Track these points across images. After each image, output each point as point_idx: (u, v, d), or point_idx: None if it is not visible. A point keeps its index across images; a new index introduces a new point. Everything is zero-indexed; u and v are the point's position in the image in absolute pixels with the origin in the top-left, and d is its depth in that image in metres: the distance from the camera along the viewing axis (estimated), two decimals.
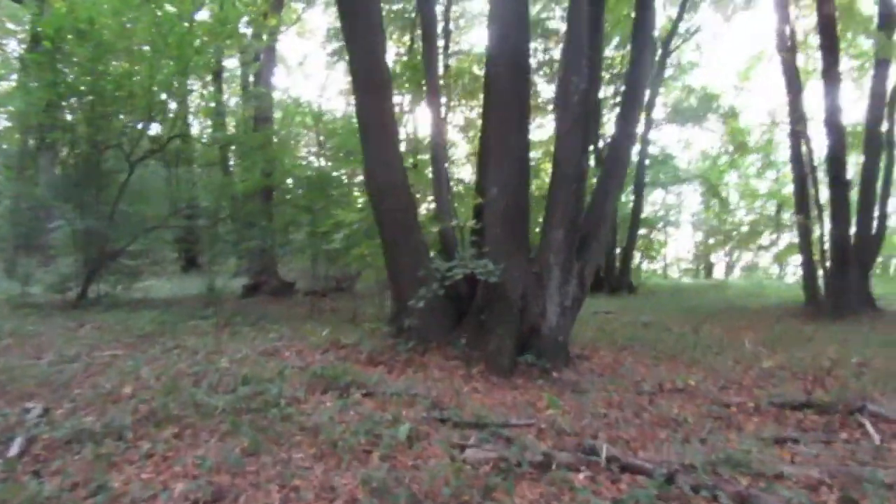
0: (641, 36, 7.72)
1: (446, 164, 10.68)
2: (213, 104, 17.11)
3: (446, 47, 18.65)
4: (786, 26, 14.89)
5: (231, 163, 18.02)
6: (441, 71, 16.45)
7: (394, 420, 4.61)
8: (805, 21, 16.47)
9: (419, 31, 15.24)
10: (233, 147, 16.60)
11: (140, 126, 12.72)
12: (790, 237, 21.32)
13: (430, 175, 10.33)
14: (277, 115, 17.95)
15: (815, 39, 15.77)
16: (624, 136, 7.49)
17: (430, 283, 6.91)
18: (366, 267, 13.17)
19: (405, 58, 18.74)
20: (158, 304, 11.95)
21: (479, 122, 23.81)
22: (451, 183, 12.56)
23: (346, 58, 8.48)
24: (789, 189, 29.94)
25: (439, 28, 17.23)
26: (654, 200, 33.16)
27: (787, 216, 27.07)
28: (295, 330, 8.73)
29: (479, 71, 20.20)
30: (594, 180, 8.55)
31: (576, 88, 6.85)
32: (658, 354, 8.28)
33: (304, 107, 15.88)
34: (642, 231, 26.01)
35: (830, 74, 12.82)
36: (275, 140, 15.48)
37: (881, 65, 12.91)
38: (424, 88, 11.30)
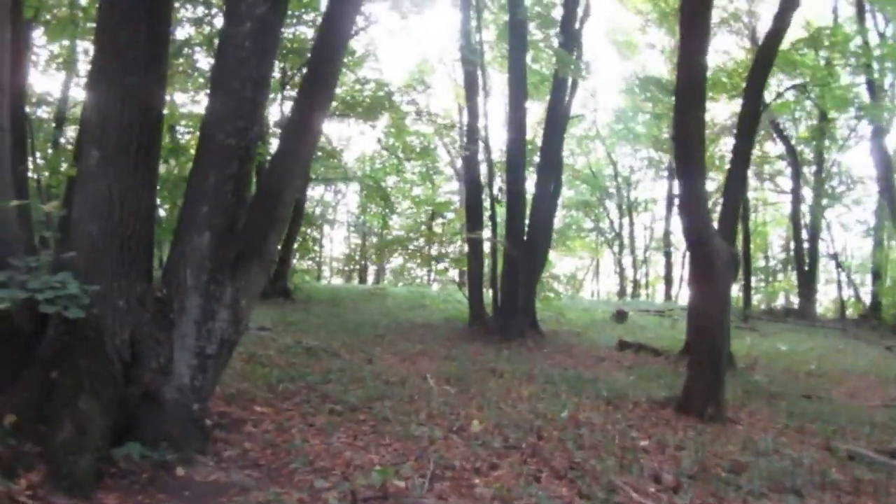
0: None
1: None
2: None
3: None
4: (470, 33, 14.08)
5: None
6: None
7: None
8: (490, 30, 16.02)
9: None
10: None
11: None
12: (446, 248, 21.34)
13: None
14: None
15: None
16: (316, 98, 5.09)
17: None
18: None
19: None
20: None
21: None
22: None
23: None
24: (444, 197, 30.95)
25: None
26: (312, 196, 31.47)
27: (439, 223, 27.66)
28: None
29: None
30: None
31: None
32: (335, 407, 6.09)
33: None
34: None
35: (517, 91, 12.19)
36: None
37: (560, 84, 12.71)
38: None
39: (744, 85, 12.38)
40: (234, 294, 4.48)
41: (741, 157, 10.72)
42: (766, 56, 10.47)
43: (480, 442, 5.38)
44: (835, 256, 23.79)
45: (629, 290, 31.80)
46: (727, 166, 21.85)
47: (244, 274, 4.57)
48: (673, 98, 15.22)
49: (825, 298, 28.01)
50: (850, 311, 23.76)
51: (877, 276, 21.55)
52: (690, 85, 7.34)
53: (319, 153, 21.80)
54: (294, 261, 27.15)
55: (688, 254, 8.37)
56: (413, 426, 5.63)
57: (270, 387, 6.65)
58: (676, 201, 29.09)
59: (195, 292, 4.26)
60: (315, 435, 5.14)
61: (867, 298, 22.79)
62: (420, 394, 7.07)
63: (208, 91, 4.83)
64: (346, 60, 20.30)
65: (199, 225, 4.30)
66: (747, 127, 10.69)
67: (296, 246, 24.36)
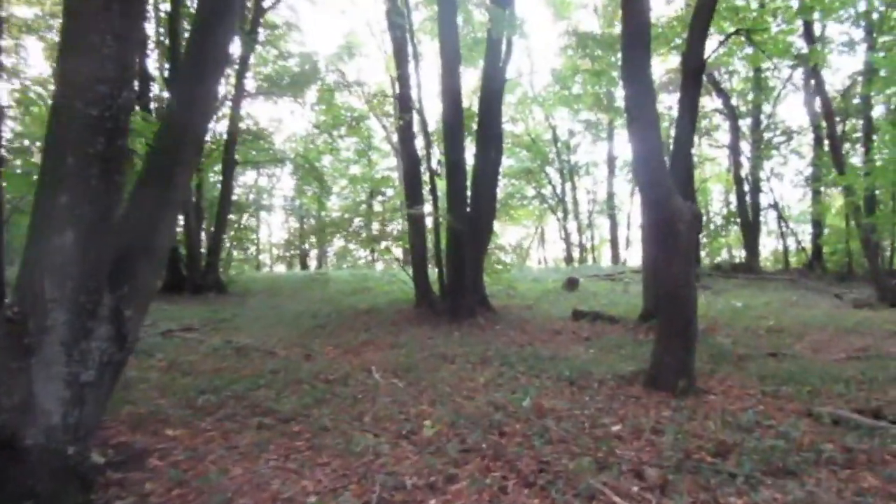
0: None
1: None
2: None
3: None
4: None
5: None
6: None
7: None
8: None
9: None
10: None
11: None
12: (387, 225, 20.45)
13: None
14: None
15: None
16: (205, 64, 4.19)
17: None
18: None
19: None
20: None
21: None
22: None
23: None
24: (382, 174, 29.87)
25: None
26: (245, 182, 30.09)
27: (378, 201, 26.70)
28: None
29: None
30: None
31: None
32: (264, 420, 5.26)
33: None
34: (232, 217, 22.67)
35: (449, 54, 11.32)
36: None
37: (494, 45, 11.90)
38: None
39: (682, 38, 11.85)
40: (115, 303, 3.59)
41: (688, 109, 10.13)
42: (707, 1, 9.88)
43: (434, 448, 4.64)
44: (776, 206, 23.87)
45: (576, 255, 31.53)
46: (666, 124, 21.66)
47: (128, 277, 3.68)
48: (610, 55, 14.74)
49: (765, 251, 28.32)
50: (792, 262, 24.00)
51: (817, 225, 21.66)
52: (637, 28, 6.65)
53: (248, 136, 20.64)
54: (234, 251, 25.84)
55: (644, 214, 7.73)
56: (356, 436, 4.86)
57: (189, 401, 5.77)
58: (625, 162, 28.62)
59: (59, 307, 3.35)
60: (237, 461, 4.31)
61: (808, 248, 22.99)
62: (364, 392, 6.30)
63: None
64: (267, 36, 19.12)
65: (57, 220, 3.37)
66: (692, 75, 10.10)
67: (231, 234, 23.09)
